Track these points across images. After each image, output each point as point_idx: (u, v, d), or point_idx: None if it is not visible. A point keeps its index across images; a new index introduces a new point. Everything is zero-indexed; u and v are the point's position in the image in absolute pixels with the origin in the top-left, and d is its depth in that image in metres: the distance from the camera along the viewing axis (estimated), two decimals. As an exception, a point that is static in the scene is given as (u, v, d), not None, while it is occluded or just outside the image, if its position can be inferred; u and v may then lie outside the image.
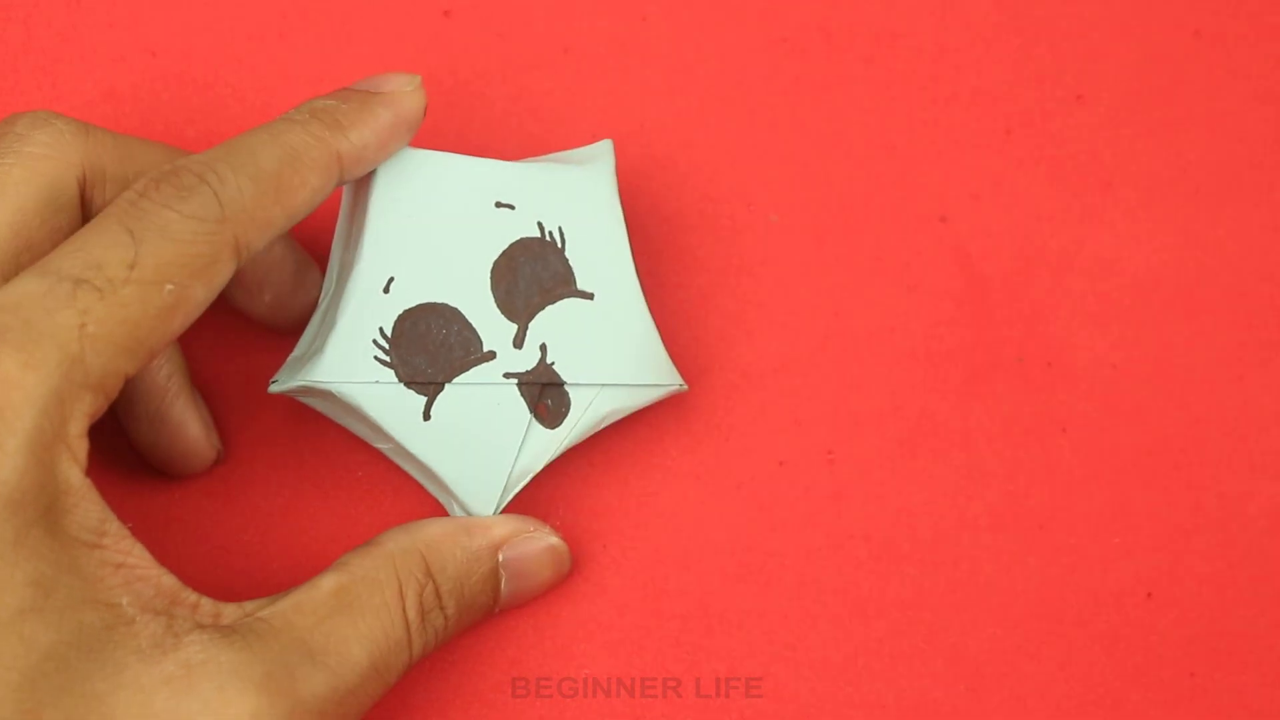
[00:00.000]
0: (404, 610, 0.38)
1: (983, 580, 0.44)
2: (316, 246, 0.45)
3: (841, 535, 0.44)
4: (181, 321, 0.35)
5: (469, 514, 0.40)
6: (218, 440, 0.43)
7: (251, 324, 0.44)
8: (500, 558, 0.40)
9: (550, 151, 0.46)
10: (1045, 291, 0.46)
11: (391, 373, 0.39)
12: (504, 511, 0.41)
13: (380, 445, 0.42)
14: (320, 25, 0.49)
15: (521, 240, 0.41)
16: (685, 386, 0.43)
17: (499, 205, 0.41)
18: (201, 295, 0.36)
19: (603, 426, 0.42)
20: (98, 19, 0.49)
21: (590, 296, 0.42)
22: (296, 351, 0.41)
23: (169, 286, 0.35)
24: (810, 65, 0.49)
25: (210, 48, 0.48)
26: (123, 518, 0.35)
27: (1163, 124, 0.48)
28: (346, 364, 0.39)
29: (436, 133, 0.48)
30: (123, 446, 0.43)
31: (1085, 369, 0.46)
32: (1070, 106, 0.48)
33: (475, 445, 0.40)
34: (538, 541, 0.41)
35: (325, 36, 0.49)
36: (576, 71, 0.49)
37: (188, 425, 0.42)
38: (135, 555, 0.35)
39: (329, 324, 0.40)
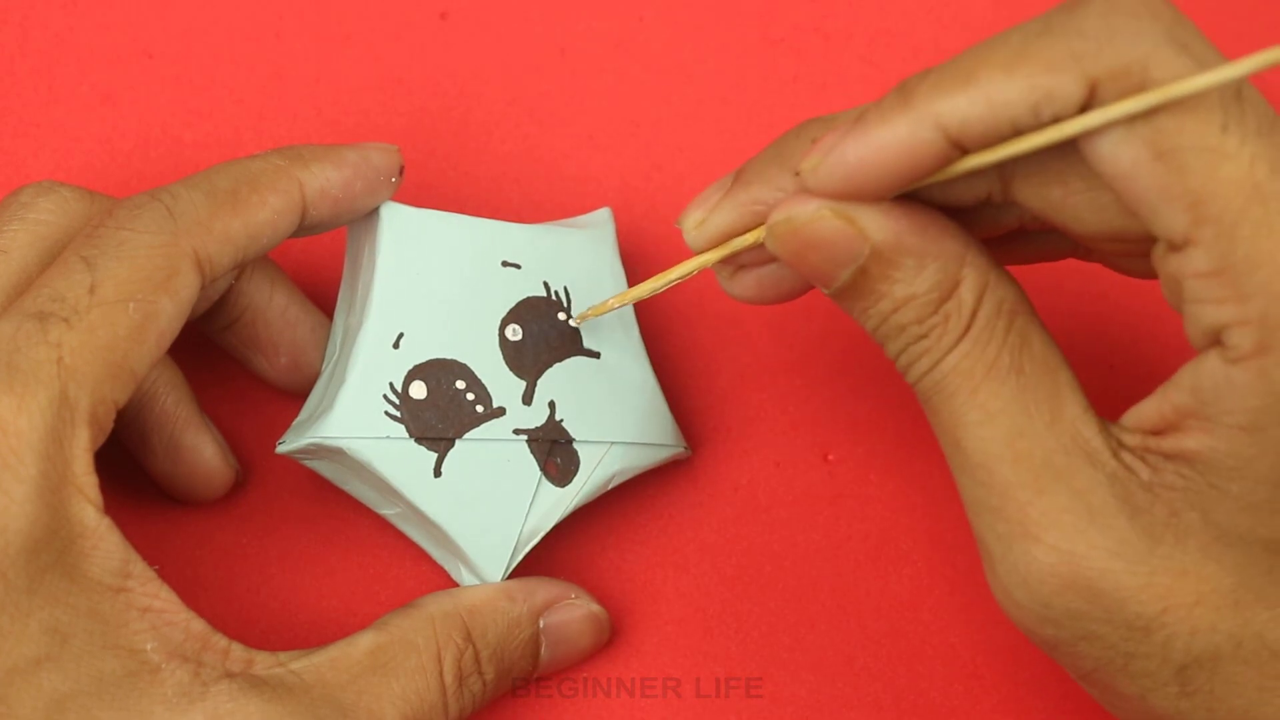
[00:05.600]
0: (441, 674, 0.37)
1: (981, 580, 0.44)
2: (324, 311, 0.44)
3: (840, 536, 0.44)
4: (156, 339, 0.35)
5: (477, 575, 0.40)
6: (234, 460, 0.43)
7: (270, 388, 0.44)
8: (541, 624, 0.40)
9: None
10: (1042, 291, 0.46)
11: (402, 428, 0.39)
12: (513, 573, 0.40)
13: (385, 511, 0.41)
14: (318, 27, 0.49)
15: (528, 299, 0.41)
16: (689, 450, 0.43)
17: (505, 264, 0.41)
18: (170, 310, 0.35)
19: (609, 487, 0.42)
20: (94, 21, 0.49)
21: (597, 355, 0.42)
22: (301, 416, 0.40)
23: (131, 304, 0.34)
24: (808, 65, 0.49)
25: (207, 50, 0.48)
26: (139, 549, 0.35)
27: (1160, 123, 0.48)
28: (357, 419, 0.39)
29: (434, 135, 0.48)
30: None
31: (1082, 369, 0.46)
32: (1067, 106, 0.48)
33: (486, 503, 0.40)
34: (579, 609, 0.41)
35: (323, 38, 0.49)
36: (573, 73, 0.49)
37: (203, 449, 0.42)
38: (162, 598, 0.35)
39: (338, 382, 0.39)
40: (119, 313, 0.34)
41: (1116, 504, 0.31)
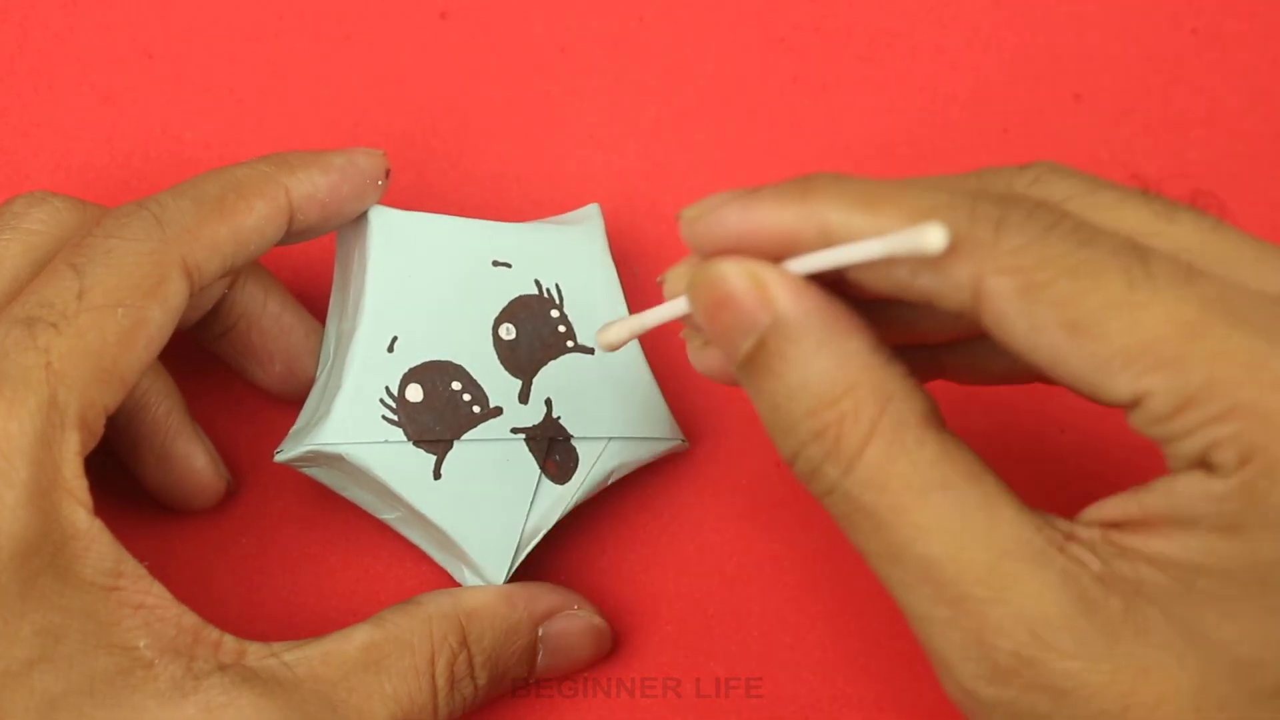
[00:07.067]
0: (433, 676, 0.37)
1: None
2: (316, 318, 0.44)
3: (840, 536, 0.44)
4: (145, 345, 0.35)
5: (480, 576, 0.40)
6: (225, 471, 0.43)
7: (266, 395, 0.44)
8: (540, 632, 0.40)
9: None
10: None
11: (400, 432, 0.39)
12: (516, 575, 0.40)
13: (385, 515, 0.41)
14: (318, 27, 0.49)
15: (520, 297, 0.41)
16: (687, 443, 0.43)
17: (496, 264, 0.41)
18: (159, 316, 0.35)
19: (609, 482, 0.42)
20: (94, 21, 0.49)
21: (591, 351, 0.42)
22: (298, 423, 0.41)
23: (120, 310, 0.35)
24: (808, 65, 0.49)
25: (208, 50, 0.48)
26: (140, 558, 0.35)
27: (1160, 123, 0.48)
28: (354, 425, 0.39)
29: (433, 134, 0.48)
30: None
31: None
32: (1068, 105, 0.48)
33: (486, 504, 0.40)
34: (580, 620, 0.41)
35: (323, 38, 0.49)
36: (573, 73, 0.49)
37: (194, 459, 0.42)
38: (154, 595, 0.35)
39: (333, 388, 0.39)
40: (107, 318, 0.34)
41: (1070, 601, 0.31)
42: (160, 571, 0.35)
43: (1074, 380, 0.30)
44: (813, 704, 0.42)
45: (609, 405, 0.42)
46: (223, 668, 0.35)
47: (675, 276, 0.35)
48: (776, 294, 0.32)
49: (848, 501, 0.32)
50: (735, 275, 0.32)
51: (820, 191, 0.32)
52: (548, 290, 0.42)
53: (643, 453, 0.42)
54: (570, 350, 0.42)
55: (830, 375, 0.32)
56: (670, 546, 0.44)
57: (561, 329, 0.42)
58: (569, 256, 0.42)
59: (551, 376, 0.41)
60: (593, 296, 0.42)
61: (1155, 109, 0.48)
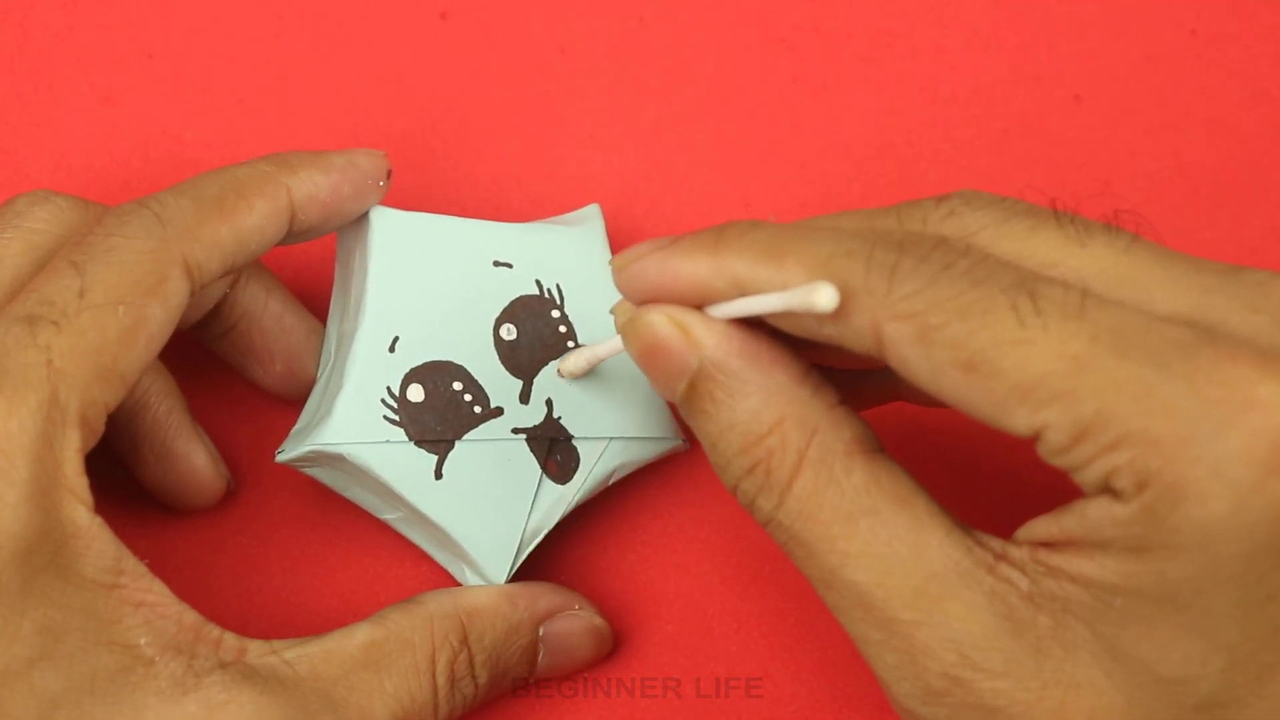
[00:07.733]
0: (434, 675, 0.37)
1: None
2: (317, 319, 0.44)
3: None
4: (146, 343, 0.35)
5: (481, 576, 0.40)
6: (225, 470, 0.43)
7: (266, 395, 0.44)
8: (541, 632, 0.40)
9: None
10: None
11: (401, 432, 0.39)
12: (517, 574, 0.40)
13: (387, 515, 0.41)
14: (318, 27, 0.49)
15: (521, 298, 0.41)
16: (687, 444, 0.43)
17: (496, 264, 0.41)
18: (160, 315, 0.35)
19: (609, 483, 0.42)
20: (94, 21, 0.49)
21: None
22: (300, 423, 0.41)
23: (121, 308, 0.35)
24: (808, 65, 0.49)
25: (208, 50, 0.48)
26: (140, 557, 0.35)
27: (1160, 124, 0.48)
28: (356, 425, 0.39)
29: (433, 134, 0.48)
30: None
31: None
32: (1068, 106, 0.48)
33: (488, 504, 0.40)
34: (581, 620, 0.41)
35: (323, 38, 0.49)
36: (573, 73, 0.49)
37: (194, 457, 0.42)
38: (155, 592, 0.35)
39: (334, 388, 0.39)
40: (108, 316, 0.34)
41: (997, 621, 0.31)
42: (160, 570, 0.35)
43: (980, 416, 0.30)
44: (813, 704, 0.42)
45: (610, 405, 0.42)
46: (223, 665, 0.35)
47: (620, 312, 0.36)
48: (700, 338, 0.33)
49: (783, 531, 0.33)
50: (661, 323, 0.34)
51: (730, 243, 0.33)
52: (549, 290, 0.42)
53: (643, 453, 0.42)
54: (571, 350, 0.42)
55: (757, 412, 0.33)
56: (670, 546, 0.44)
57: (562, 329, 0.42)
58: (570, 257, 0.42)
59: (552, 377, 0.41)
60: (593, 296, 0.42)
61: (1155, 110, 0.48)
